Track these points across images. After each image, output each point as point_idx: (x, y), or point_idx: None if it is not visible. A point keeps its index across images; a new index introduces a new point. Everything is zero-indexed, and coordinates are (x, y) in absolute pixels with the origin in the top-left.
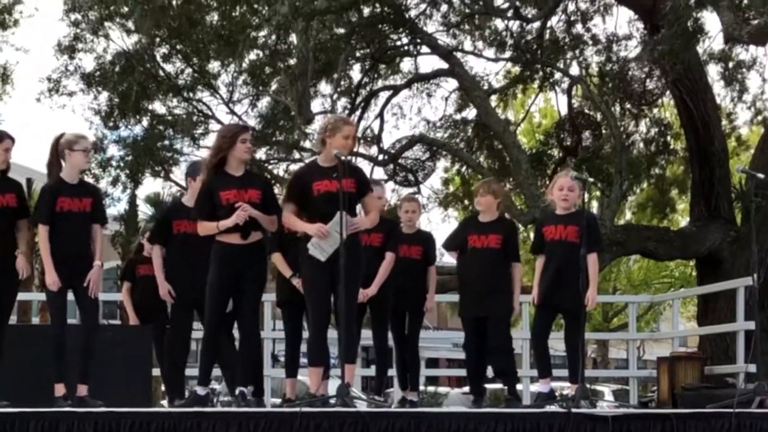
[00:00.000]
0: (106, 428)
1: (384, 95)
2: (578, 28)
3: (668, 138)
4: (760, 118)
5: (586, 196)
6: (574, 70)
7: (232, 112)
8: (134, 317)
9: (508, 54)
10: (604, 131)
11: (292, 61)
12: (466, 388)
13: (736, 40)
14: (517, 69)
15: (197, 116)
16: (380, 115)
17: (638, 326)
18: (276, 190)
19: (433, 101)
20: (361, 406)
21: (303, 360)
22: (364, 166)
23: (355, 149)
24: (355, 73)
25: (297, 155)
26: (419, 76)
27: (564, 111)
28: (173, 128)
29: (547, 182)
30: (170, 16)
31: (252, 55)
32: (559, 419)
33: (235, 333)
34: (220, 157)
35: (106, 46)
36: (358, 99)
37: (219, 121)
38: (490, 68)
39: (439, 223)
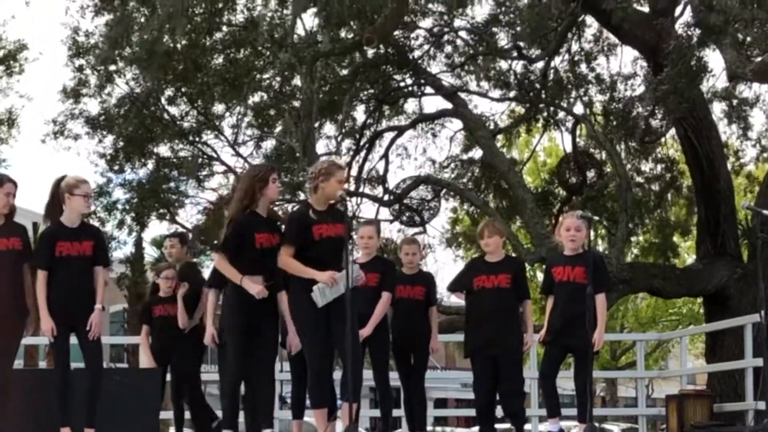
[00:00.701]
0: None
1: (389, 136)
2: (582, 67)
3: (674, 175)
4: (766, 155)
5: (592, 234)
6: (579, 109)
7: (238, 154)
8: (151, 361)
9: (512, 94)
10: (608, 170)
11: (297, 103)
12: (476, 428)
13: (739, 77)
14: (521, 109)
15: (202, 158)
16: (385, 155)
17: (647, 364)
18: None
19: (438, 141)
20: None
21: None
22: (370, 206)
23: (360, 189)
24: (360, 114)
25: (302, 196)
26: (424, 117)
27: (569, 150)
28: (178, 170)
29: (553, 221)
30: (175, 59)
31: (257, 97)
32: None
33: None
34: (251, 199)
35: (111, 90)
36: (363, 140)
37: (224, 163)
38: (494, 108)
39: (447, 263)
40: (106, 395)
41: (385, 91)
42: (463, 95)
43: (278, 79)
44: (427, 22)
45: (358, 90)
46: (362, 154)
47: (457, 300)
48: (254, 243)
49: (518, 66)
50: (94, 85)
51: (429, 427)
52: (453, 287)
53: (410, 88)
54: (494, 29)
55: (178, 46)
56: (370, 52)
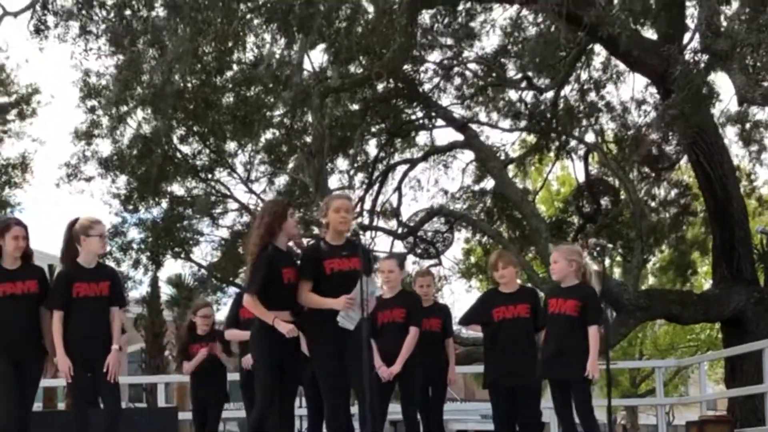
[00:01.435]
0: None
1: (401, 169)
2: (592, 96)
3: (688, 200)
4: None
5: (607, 262)
6: (590, 137)
7: (251, 191)
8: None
9: (523, 124)
10: (622, 196)
11: (309, 139)
12: None
13: (749, 102)
14: (532, 138)
15: (215, 196)
16: (398, 188)
17: (666, 391)
18: None
19: (450, 173)
20: None
21: None
22: (384, 239)
23: (374, 223)
24: (372, 148)
25: (316, 231)
26: (435, 149)
27: (581, 178)
28: (192, 208)
29: None
30: (186, 98)
31: (268, 134)
32: None
33: None
34: (271, 234)
35: (123, 130)
36: (375, 173)
37: (237, 200)
38: (505, 138)
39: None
40: None
41: (397, 125)
42: (474, 126)
43: (289, 115)
44: (435, 55)
45: (369, 124)
46: (375, 187)
47: (473, 332)
48: (282, 278)
49: (528, 96)
50: (105, 126)
51: None
52: (468, 320)
53: (421, 121)
54: (503, 60)
55: (189, 85)
56: (380, 87)
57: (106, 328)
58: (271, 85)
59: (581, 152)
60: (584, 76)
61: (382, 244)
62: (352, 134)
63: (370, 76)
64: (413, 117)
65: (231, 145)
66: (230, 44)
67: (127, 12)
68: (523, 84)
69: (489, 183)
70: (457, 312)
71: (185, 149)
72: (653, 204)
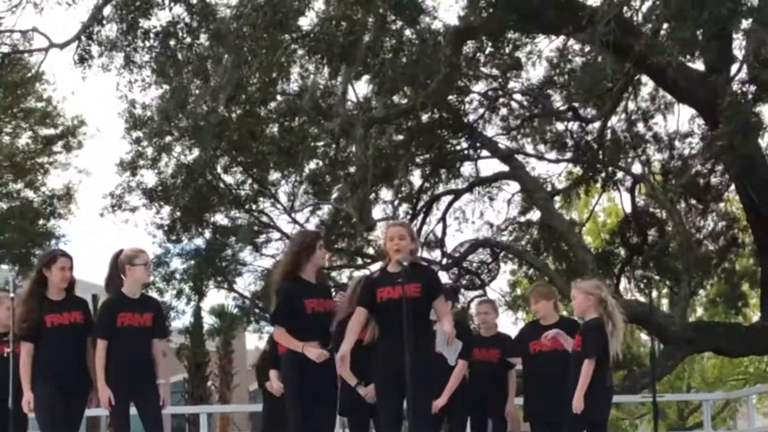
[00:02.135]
0: None
1: (446, 200)
2: (639, 126)
3: (736, 232)
4: None
5: (654, 293)
6: (637, 168)
7: (294, 221)
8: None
9: (569, 155)
10: (669, 228)
11: (352, 169)
12: None
13: None
14: (579, 169)
15: (258, 226)
16: (442, 219)
17: (714, 424)
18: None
19: (495, 204)
20: None
21: None
22: None
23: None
24: (416, 178)
25: (359, 261)
26: (480, 180)
27: (628, 209)
28: (235, 238)
29: (615, 281)
30: (230, 128)
31: (312, 164)
32: None
33: None
34: (298, 265)
35: (168, 161)
36: (420, 204)
37: (280, 230)
38: (551, 170)
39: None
40: None
41: (441, 155)
42: (519, 157)
43: (333, 146)
44: (480, 86)
45: (413, 155)
46: (419, 218)
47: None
48: (305, 309)
49: (574, 127)
50: (150, 157)
51: None
52: (508, 353)
53: (466, 152)
54: (549, 91)
55: (233, 115)
56: (425, 117)
57: (148, 358)
58: (315, 116)
59: (628, 183)
60: (631, 106)
61: None
62: (396, 165)
63: (415, 107)
64: (458, 147)
65: (275, 175)
66: (274, 75)
67: (172, 42)
68: (569, 115)
69: (535, 215)
70: None
71: (229, 179)
72: (700, 236)
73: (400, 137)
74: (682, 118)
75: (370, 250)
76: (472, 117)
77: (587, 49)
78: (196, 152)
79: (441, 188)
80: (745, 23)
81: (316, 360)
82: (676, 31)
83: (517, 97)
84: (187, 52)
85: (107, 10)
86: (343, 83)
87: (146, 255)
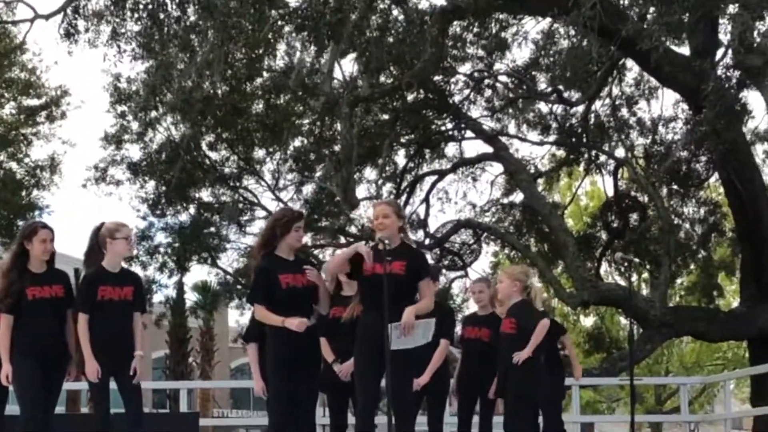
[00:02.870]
0: None
1: (429, 180)
2: (623, 111)
3: (717, 218)
4: None
5: (634, 278)
6: (620, 152)
7: (278, 199)
8: None
9: (552, 137)
10: (651, 213)
11: (337, 148)
12: None
13: None
14: (562, 152)
15: (243, 203)
16: (426, 199)
17: (692, 409)
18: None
19: (478, 185)
20: None
21: None
22: None
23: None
24: (400, 158)
25: (342, 240)
26: (464, 161)
27: (611, 193)
28: (219, 215)
29: (596, 264)
30: (216, 105)
31: (297, 142)
32: None
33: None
34: (272, 240)
35: (152, 136)
36: (404, 184)
37: (264, 208)
38: (535, 152)
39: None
40: None
41: (426, 136)
42: (503, 139)
43: (318, 124)
44: (466, 67)
45: (398, 134)
46: (403, 198)
47: None
48: (279, 284)
49: (558, 109)
50: (135, 131)
51: None
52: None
53: (451, 132)
54: (534, 73)
55: (219, 92)
56: (410, 97)
57: (128, 332)
58: (300, 94)
59: (611, 167)
60: (616, 91)
61: None
62: (381, 144)
63: (400, 86)
64: (443, 128)
65: (259, 153)
66: (261, 51)
67: (161, 15)
68: (554, 97)
69: (517, 196)
70: None
71: (214, 156)
72: (681, 221)
73: (386, 117)
74: (666, 102)
75: (354, 229)
76: (457, 98)
77: (573, 32)
78: (182, 128)
79: (425, 168)
80: (731, 8)
81: (297, 329)
82: (662, 15)
83: (503, 78)
84: (174, 26)
85: None
86: (330, 61)
87: (128, 229)
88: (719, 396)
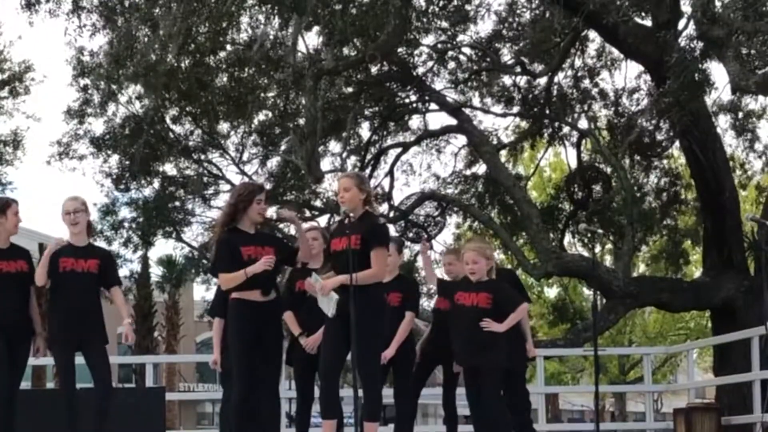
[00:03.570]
0: None
1: (394, 152)
2: (586, 82)
3: (679, 189)
4: None
5: (598, 248)
6: (583, 124)
7: (243, 172)
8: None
9: (516, 109)
10: (614, 183)
11: (302, 121)
12: None
13: (743, 90)
14: (525, 124)
15: (207, 177)
16: (390, 172)
17: (655, 378)
18: None
19: (442, 157)
20: None
21: (314, 420)
22: None
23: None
24: (365, 131)
25: (308, 214)
26: (428, 133)
27: (574, 164)
28: (184, 189)
29: (560, 236)
30: (179, 78)
31: (261, 116)
32: None
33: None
34: (234, 215)
35: (116, 109)
36: (368, 157)
37: (229, 182)
38: (498, 123)
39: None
40: (114, 415)
41: (390, 108)
42: (467, 111)
43: (282, 97)
44: (430, 39)
45: (362, 107)
46: (367, 170)
47: None
48: (241, 257)
49: (522, 81)
50: (97, 104)
51: None
52: None
53: (415, 105)
54: (497, 45)
55: (182, 65)
56: (374, 70)
57: (93, 305)
58: (264, 67)
59: (574, 139)
60: (578, 62)
61: None
62: (345, 117)
63: (364, 59)
64: (407, 100)
65: (224, 126)
66: (224, 24)
67: None
68: (517, 69)
69: (481, 168)
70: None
71: (178, 129)
72: (645, 191)
73: (350, 89)
74: (629, 74)
75: (318, 203)
76: (420, 70)
77: (536, 3)
78: (145, 101)
79: (389, 141)
80: None
81: (263, 267)
82: None
83: (466, 50)
84: None
85: None
86: (294, 34)
87: (70, 203)
88: (682, 366)
